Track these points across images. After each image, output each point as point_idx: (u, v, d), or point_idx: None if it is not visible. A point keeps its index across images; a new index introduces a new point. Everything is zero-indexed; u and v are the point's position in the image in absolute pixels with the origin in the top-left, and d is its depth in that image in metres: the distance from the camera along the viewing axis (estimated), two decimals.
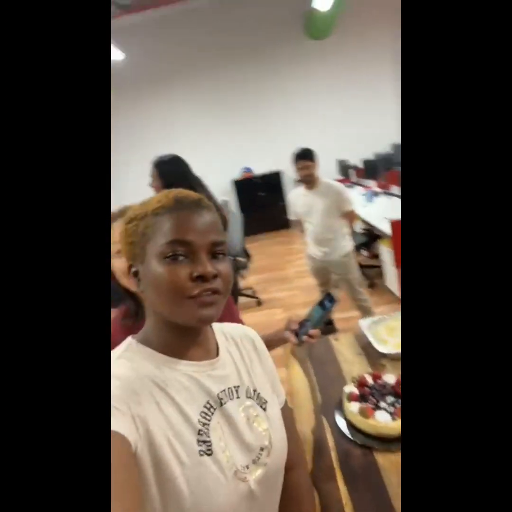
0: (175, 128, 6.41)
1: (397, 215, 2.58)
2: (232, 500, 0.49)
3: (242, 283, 4.07)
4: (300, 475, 0.67)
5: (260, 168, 6.36)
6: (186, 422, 0.49)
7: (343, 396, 0.98)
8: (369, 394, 0.96)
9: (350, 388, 0.99)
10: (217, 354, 0.58)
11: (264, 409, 0.60)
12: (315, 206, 2.40)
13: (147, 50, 5.97)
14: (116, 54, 4.97)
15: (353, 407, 0.93)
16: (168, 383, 0.50)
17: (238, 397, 0.56)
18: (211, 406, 0.52)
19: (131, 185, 6.29)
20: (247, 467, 0.53)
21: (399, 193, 3.31)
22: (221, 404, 0.54)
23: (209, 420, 0.51)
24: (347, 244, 2.50)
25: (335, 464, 0.84)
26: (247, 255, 3.43)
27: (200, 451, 0.48)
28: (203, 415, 0.51)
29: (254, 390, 0.60)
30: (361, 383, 1.00)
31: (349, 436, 0.90)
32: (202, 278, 0.49)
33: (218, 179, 6.44)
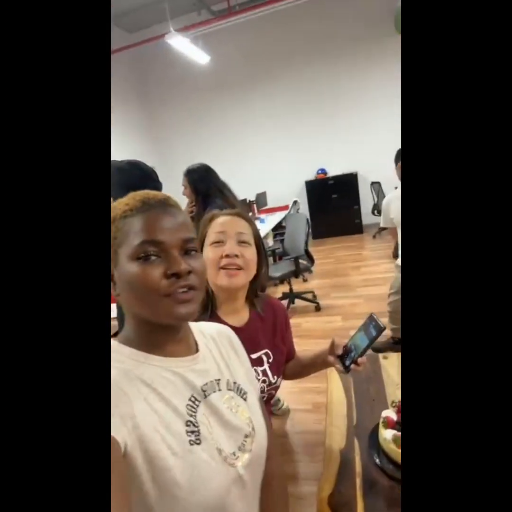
0: (254, 127, 6.55)
1: None
2: (224, 485, 0.51)
3: (303, 286, 4.03)
4: (274, 465, 0.69)
5: (336, 170, 6.20)
6: (175, 414, 0.50)
7: (380, 421, 0.92)
8: None
9: (388, 413, 0.92)
10: (197, 350, 0.60)
11: (245, 399, 0.62)
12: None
13: (230, 53, 6.18)
14: (202, 57, 5.24)
15: (388, 434, 0.86)
16: (154, 379, 0.51)
17: (219, 390, 0.59)
18: (196, 399, 0.54)
19: (221, 178, 6.63)
20: (234, 453, 0.55)
21: None
22: (205, 397, 0.56)
23: (195, 412, 0.53)
24: None
25: (358, 492, 0.79)
26: (310, 258, 3.38)
27: (190, 440, 0.50)
28: (189, 407, 0.53)
29: (234, 382, 0.62)
30: (399, 409, 0.92)
31: (379, 464, 0.84)
32: (176, 276, 0.50)
33: (294, 180, 6.45)
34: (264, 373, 0.90)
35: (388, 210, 2.26)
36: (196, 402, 0.54)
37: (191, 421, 0.51)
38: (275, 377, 0.91)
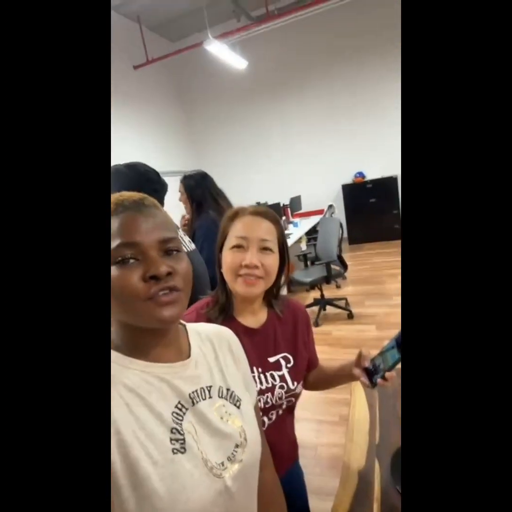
0: (291, 131, 6.52)
1: None
2: (208, 497, 0.49)
3: (336, 293, 3.92)
4: (269, 474, 0.68)
5: (374, 173, 6.02)
6: (158, 421, 0.49)
7: None
8: None
9: None
10: (189, 355, 0.57)
11: (238, 407, 0.59)
12: None
13: (268, 57, 6.21)
14: (240, 63, 5.30)
15: None
16: (139, 385, 0.50)
17: (210, 397, 0.56)
18: (183, 406, 0.52)
19: (256, 182, 6.84)
20: (222, 464, 0.52)
21: None
22: (193, 404, 0.53)
23: (181, 420, 0.51)
24: None
25: None
26: (343, 263, 3.28)
27: (173, 449, 0.48)
28: (175, 415, 0.50)
29: (228, 389, 0.59)
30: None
31: (400, 490, 0.77)
32: (155, 278, 0.47)
33: (331, 184, 6.34)
34: (282, 378, 0.83)
35: None
36: (183, 410, 0.52)
37: (176, 429, 0.49)
38: (295, 383, 0.84)
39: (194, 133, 7.12)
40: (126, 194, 0.52)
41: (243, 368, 0.66)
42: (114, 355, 0.51)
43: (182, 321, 0.62)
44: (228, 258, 0.78)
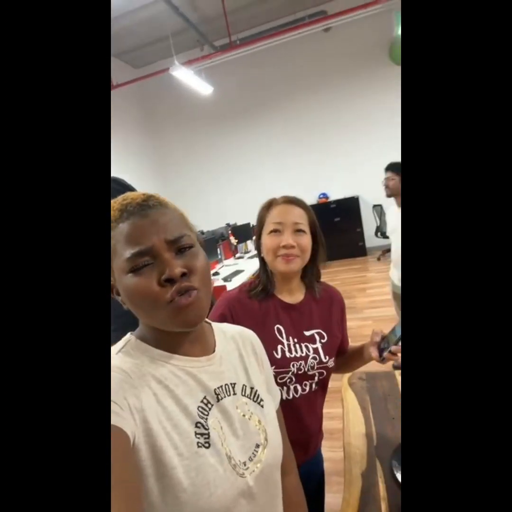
0: (257, 154, 6.70)
1: None
2: (231, 494, 0.48)
3: None
4: (293, 480, 0.67)
5: (337, 194, 6.27)
6: (184, 413, 0.48)
7: None
8: None
9: None
10: (214, 351, 0.57)
11: (262, 406, 0.58)
12: (395, 223, 2.25)
13: (232, 84, 6.43)
14: (206, 88, 5.45)
15: None
16: (167, 376, 0.50)
17: (234, 394, 0.55)
18: (208, 402, 0.51)
19: (229, 205, 6.89)
20: (245, 463, 0.51)
21: None
22: (218, 400, 0.53)
23: (207, 415, 0.50)
24: None
25: None
26: None
27: (198, 443, 0.47)
28: (201, 409, 0.50)
29: (251, 388, 0.59)
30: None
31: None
32: (171, 281, 0.46)
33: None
34: (316, 351, 0.90)
35: (387, 223, 2.35)
36: (209, 405, 0.51)
37: (201, 423, 0.49)
38: (327, 357, 0.91)
39: (160, 155, 7.12)
40: (130, 197, 0.50)
41: (267, 372, 0.66)
42: (146, 347, 0.51)
43: (207, 320, 0.61)
44: (267, 241, 0.89)
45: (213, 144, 6.89)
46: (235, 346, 0.62)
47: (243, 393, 0.57)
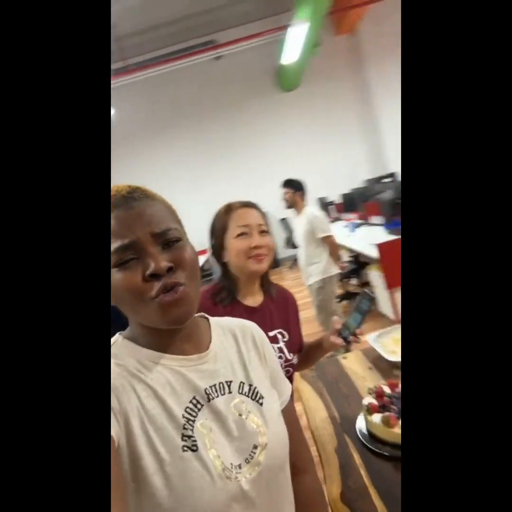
0: (163, 178, 6.59)
1: (382, 240, 2.65)
2: (220, 500, 0.44)
3: None
4: (310, 480, 0.63)
5: None
6: (169, 417, 0.46)
7: (363, 410, 0.94)
8: (390, 403, 0.91)
9: (369, 400, 0.95)
10: (209, 348, 0.55)
11: (260, 404, 0.55)
12: (298, 230, 2.68)
13: (135, 106, 6.29)
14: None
15: (376, 418, 0.88)
16: (153, 377, 0.48)
17: (230, 392, 0.53)
18: (198, 402, 0.49)
19: None
20: (240, 466, 0.48)
21: (379, 222, 3.41)
22: (209, 400, 0.50)
23: (195, 417, 0.48)
24: (327, 270, 2.58)
25: (367, 481, 0.78)
26: None
27: (183, 446, 0.45)
28: (189, 411, 0.48)
29: (250, 385, 0.55)
30: (379, 394, 0.96)
31: (376, 449, 0.85)
32: (156, 276, 0.45)
33: (204, 224, 6.53)
34: (280, 350, 0.92)
35: (323, 219, 2.62)
36: (198, 406, 0.49)
37: (188, 426, 0.46)
38: (291, 354, 0.94)
39: None
40: (115, 189, 0.48)
41: (272, 365, 0.63)
42: (133, 347, 0.50)
43: (205, 315, 0.60)
44: (237, 245, 0.91)
45: (123, 169, 6.59)
46: (233, 341, 0.59)
47: (240, 391, 0.54)
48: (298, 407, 1.37)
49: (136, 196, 0.48)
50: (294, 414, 0.64)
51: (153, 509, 0.41)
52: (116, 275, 0.45)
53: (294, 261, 5.99)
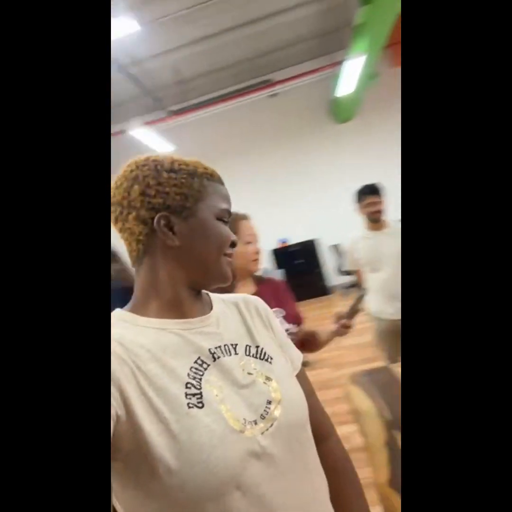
0: None
1: None
2: (234, 456, 0.42)
3: None
4: (333, 445, 0.60)
5: (295, 239, 6.61)
6: (170, 376, 0.45)
7: None
8: None
9: None
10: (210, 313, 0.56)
11: (270, 363, 0.54)
12: (385, 250, 1.90)
13: (195, 143, 6.84)
14: (166, 147, 5.73)
15: None
16: (152, 340, 0.47)
17: (236, 354, 0.52)
18: (204, 362, 0.48)
19: None
20: (255, 422, 0.46)
21: None
22: (215, 359, 0.49)
23: (201, 375, 0.47)
24: None
25: None
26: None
27: (188, 404, 0.43)
28: (194, 370, 0.47)
29: (257, 347, 0.54)
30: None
31: None
32: (233, 245, 0.56)
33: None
34: (280, 322, 1.03)
35: (353, 251, 2.10)
36: (204, 365, 0.47)
37: (191, 383, 0.45)
38: (290, 324, 1.15)
39: None
40: (210, 166, 0.58)
41: (278, 334, 0.62)
42: (129, 316, 0.50)
43: (206, 292, 0.61)
44: (247, 250, 1.17)
45: None
46: (236, 310, 0.59)
47: (247, 353, 0.53)
48: (345, 408, 1.37)
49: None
50: (309, 382, 0.61)
51: (163, 476, 0.40)
52: (218, 225, 0.54)
53: (346, 288, 5.90)
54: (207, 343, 0.50)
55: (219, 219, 0.54)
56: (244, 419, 0.45)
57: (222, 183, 0.58)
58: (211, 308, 0.56)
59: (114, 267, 1.80)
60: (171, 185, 0.51)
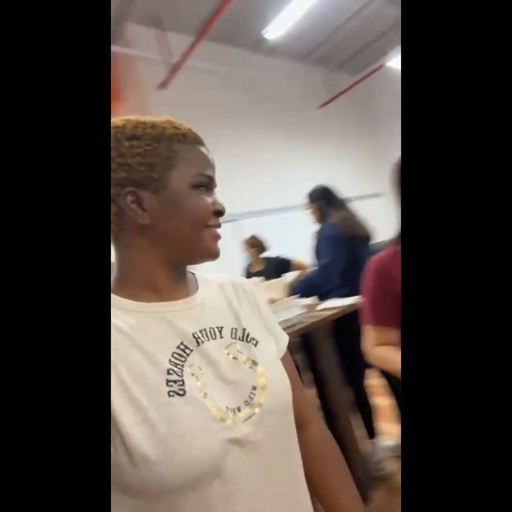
0: None
1: None
2: (216, 444, 0.41)
3: None
4: (316, 428, 0.58)
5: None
6: (150, 362, 0.42)
7: None
8: None
9: None
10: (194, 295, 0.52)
11: (255, 346, 0.51)
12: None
13: None
14: None
15: None
16: (131, 325, 0.44)
17: (221, 337, 0.49)
18: (186, 347, 0.45)
19: None
20: (238, 409, 0.44)
21: None
22: (198, 344, 0.46)
23: (183, 361, 0.44)
24: None
25: None
26: None
27: (169, 392, 0.41)
28: (176, 356, 0.44)
29: (243, 329, 0.52)
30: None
31: None
32: (219, 213, 0.50)
33: None
34: None
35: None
36: (187, 351, 0.45)
37: (173, 370, 0.43)
38: None
39: (381, 154, 6.34)
40: (184, 125, 0.50)
41: (265, 317, 0.58)
42: (112, 298, 0.46)
43: (191, 270, 0.57)
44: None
45: None
46: (221, 292, 0.56)
47: (233, 336, 0.50)
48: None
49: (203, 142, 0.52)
50: (293, 366, 0.58)
51: (141, 467, 0.37)
52: (192, 195, 0.47)
53: None
54: (190, 327, 0.47)
55: (197, 186, 0.48)
56: (227, 407, 0.44)
57: (200, 144, 0.50)
58: (197, 290, 0.53)
59: None
60: (133, 155, 0.45)
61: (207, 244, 0.49)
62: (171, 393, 0.41)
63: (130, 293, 0.47)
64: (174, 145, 0.47)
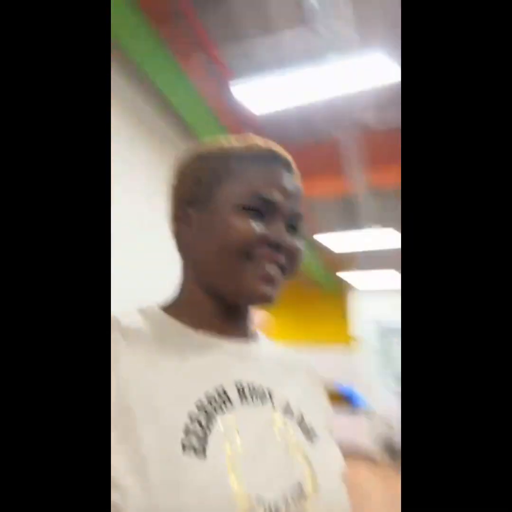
0: None
1: None
2: None
3: None
4: None
5: None
6: (175, 396, 0.33)
7: None
8: None
9: None
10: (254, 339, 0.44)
11: (311, 441, 0.39)
12: None
13: None
14: None
15: None
16: (178, 347, 0.38)
17: (272, 405, 0.38)
18: (225, 393, 0.36)
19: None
20: (275, 507, 0.32)
21: None
22: (241, 399, 0.36)
23: (215, 410, 0.34)
24: None
25: None
26: None
27: (184, 444, 0.31)
28: (210, 398, 0.34)
29: (301, 412, 0.40)
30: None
31: None
32: (276, 246, 0.37)
33: None
34: None
35: None
36: (223, 396, 0.35)
37: (196, 417, 0.32)
38: None
39: None
40: (279, 148, 0.42)
41: (325, 408, 0.47)
42: (159, 313, 0.41)
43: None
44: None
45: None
46: (282, 368, 0.45)
47: (286, 411, 0.39)
48: None
49: (293, 168, 0.43)
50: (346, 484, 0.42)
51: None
52: (236, 217, 0.37)
53: None
54: (236, 371, 0.38)
55: (244, 208, 0.38)
56: (258, 495, 0.31)
57: (270, 161, 0.40)
58: (256, 342, 0.44)
59: None
60: (191, 170, 0.42)
61: (248, 283, 0.37)
62: (185, 447, 0.30)
63: (176, 313, 0.41)
64: (230, 160, 0.41)
